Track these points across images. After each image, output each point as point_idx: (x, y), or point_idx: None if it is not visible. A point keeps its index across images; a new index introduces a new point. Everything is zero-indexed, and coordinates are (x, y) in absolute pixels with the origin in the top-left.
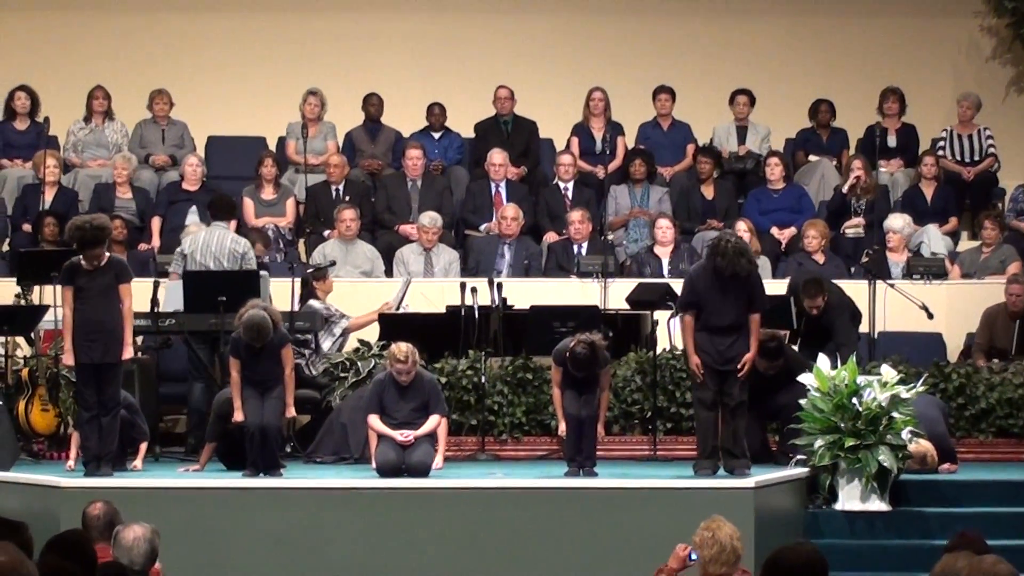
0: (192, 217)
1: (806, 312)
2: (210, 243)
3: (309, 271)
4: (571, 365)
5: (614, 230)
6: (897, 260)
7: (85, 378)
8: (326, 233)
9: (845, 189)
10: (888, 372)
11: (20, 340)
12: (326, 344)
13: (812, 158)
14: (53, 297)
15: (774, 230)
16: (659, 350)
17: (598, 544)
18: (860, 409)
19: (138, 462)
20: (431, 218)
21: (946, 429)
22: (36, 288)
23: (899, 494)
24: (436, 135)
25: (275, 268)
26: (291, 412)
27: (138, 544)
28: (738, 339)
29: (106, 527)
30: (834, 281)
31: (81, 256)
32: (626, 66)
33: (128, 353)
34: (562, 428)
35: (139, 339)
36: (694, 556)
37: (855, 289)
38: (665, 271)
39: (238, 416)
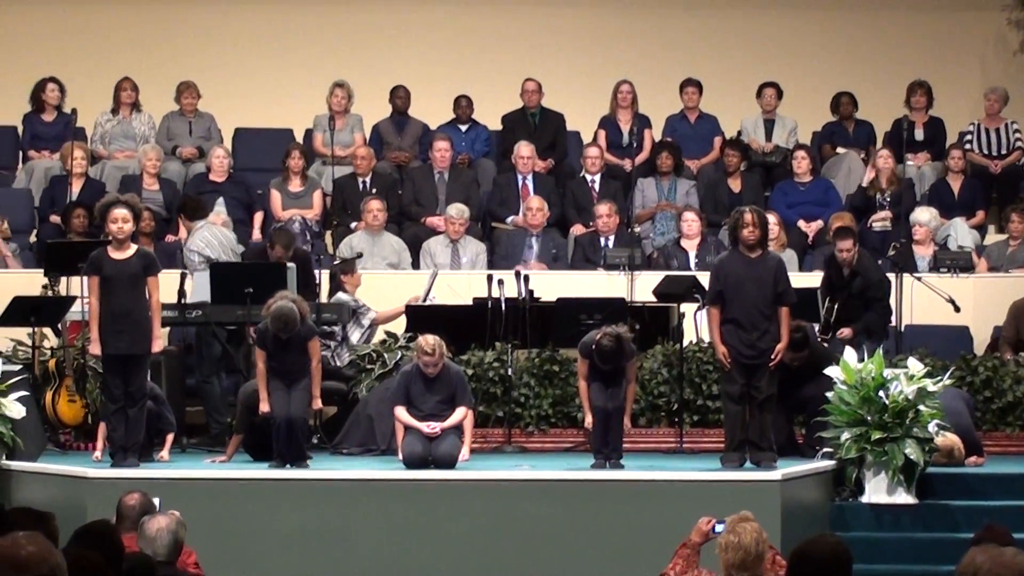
0: (219, 208)
1: (839, 277)
2: (220, 240)
3: (336, 264)
4: (597, 358)
5: (641, 223)
6: (924, 253)
7: (112, 369)
8: (353, 225)
9: (865, 183)
10: (915, 365)
11: (47, 331)
12: (354, 336)
13: (840, 150)
14: (80, 288)
15: (801, 223)
16: (686, 343)
17: (624, 536)
18: (887, 402)
19: (165, 453)
20: (458, 210)
21: (972, 422)
22: (63, 279)
23: (926, 487)
24: (463, 127)
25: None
26: (317, 404)
27: (160, 535)
28: (765, 332)
29: (140, 517)
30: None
31: (107, 246)
32: (653, 59)
33: (158, 346)
34: (588, 420)
35: (166, 330)
36: (718, 528)
37: None
38: (692, 264)
39: (264, 408)
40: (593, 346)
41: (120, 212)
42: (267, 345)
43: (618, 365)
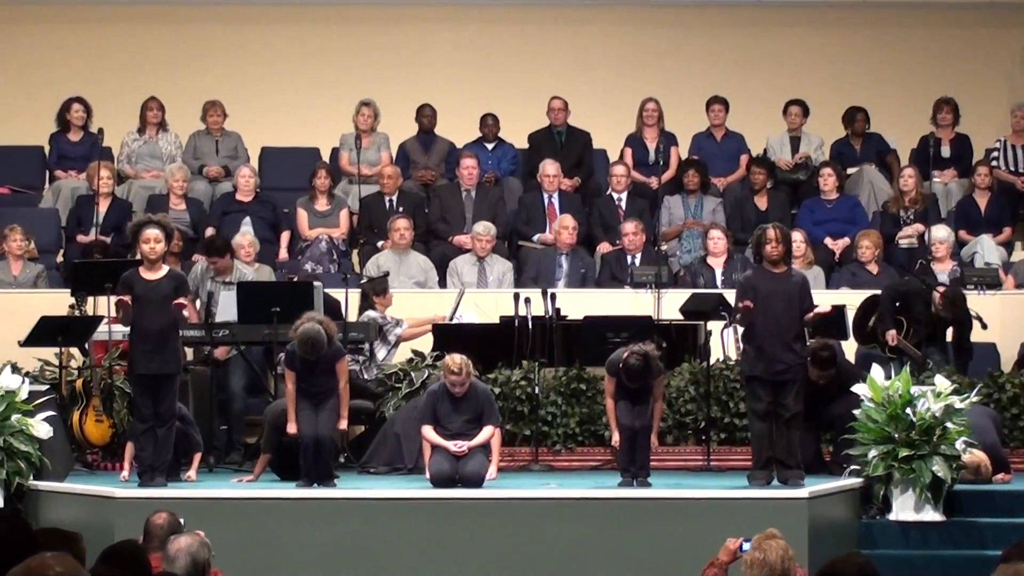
0: (245, 228)
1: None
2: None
3: (365, 283)
4: (625, 376)
5: (667, 241)
6: (942, 269)
7: (142, 389)
8: (380, 244)
9: (889, 203)
10: (942, 382)
11: (74, 351)
12: (380, 353)
13: (850, 171)
14: (107, 308)
15: (828, 240)
16: (713, 360)
17: (652, 555)
18: (914, 419)
19: (192, 472)
20: (485, 227)
21: (999, 439)
22: (90, 299)
23: (953, 504)
24: (489, 146)
25: (329, 279)
26: (343, 425)
27: (179, 556)
28: (790, 349)
29: (167, 537)
30: None
31: (139, 266)
32: (679, 77)
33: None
34: (616, 439)
35: (189, 351)
36: (745, 547)
37: None
38: (718, 282)
39: (291, 428)
40: (620, 365)
41: (152, 232)
42: (296, 366)
43: (645, 383)
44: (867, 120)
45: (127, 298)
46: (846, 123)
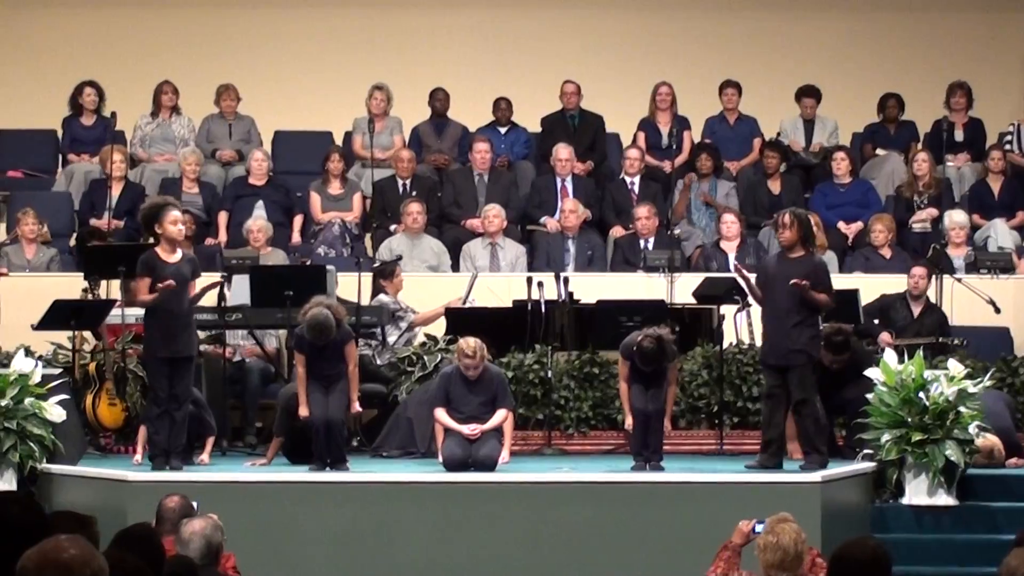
0: (258, 212)
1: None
2: None
3: (375, 267)
4: (638, 359)
5: (677, 216)
6: (957, 254)
7: (159, 372)
8: (392, 228)
9: (903, 188)
10: (955, 367)
11: (87, 335)
12: (392, 337)
13: (880, 152)
14: (120, 291)
15: (841, 224)
16: (726, 344)
17: (665, 538)
18: (927, 403)
19: (205, 456)
20: (495, 208)
21: (1013, 423)
22: (103, 283)
23: (966, 488)
24: (502, 130)
25: (342, 263)
26: (356, 408)
27: (193, 539)
28: (793, 331)
29: (180, 520)
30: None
31: (155, 248)
32: (692, 61)
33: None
34: (628, 422)
35: (202, 334)
36: (758, 528)
37: None
38: (731, 266)
39: (303, 411)
40: (635, 348)
41: (178, 214)
42: (305, 349)
43: (659, 367)
44: (900, 106)
45: (172, 283)
46: (880, 108)
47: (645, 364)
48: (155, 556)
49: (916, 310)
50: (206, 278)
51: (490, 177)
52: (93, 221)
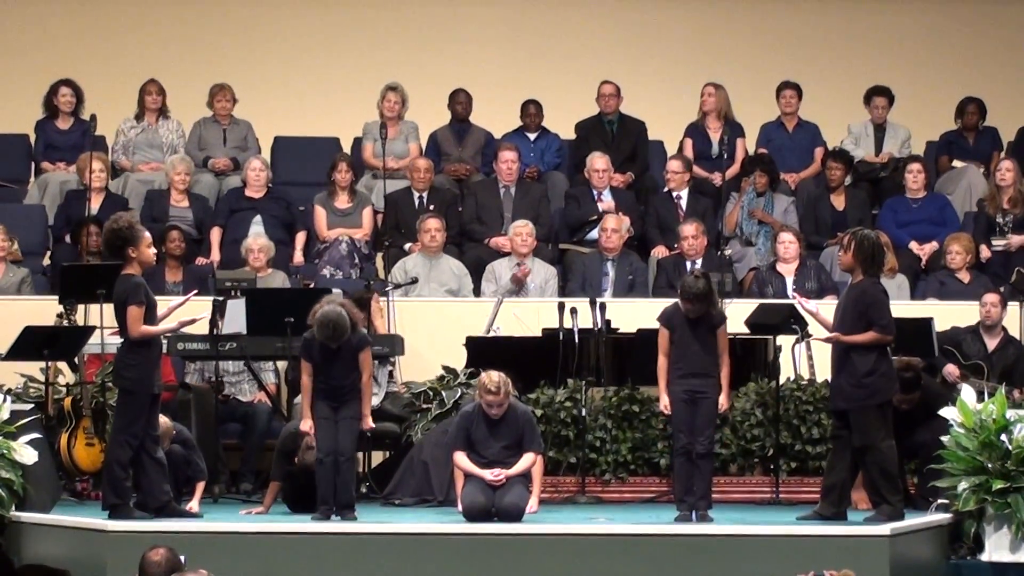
0: (256, 228)
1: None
2: None
3: (389, 288)
4: (682, 298)
5: (730, 231)
6: None
7: (148, 410)
8: (407, 246)
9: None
10: None
11: (62, 366)
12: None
13: (957, 164)
14: (100, 317)
15: (913, 244)
16: (783, 380)
17: None
18: (1010, 447)
19: (194, 503)
20: (527, 225)
21: None
22: (80, 307)
23: None
24: (532, 136)
25: (349, 286)
26: (368, 424)
27: None
28: (853, 367)
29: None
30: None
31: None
32: (747, 60)
33: None
34: (664, 402)
35: (192, 365)
36: None
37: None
38: (789, 291)
39: (305, 425)
40: (679, 287)
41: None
42: (313, 356)
43: (706, 310)
44: (982, 113)
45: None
46: (958, 114)
47: (691, 304)
48: None
49: (991, 344)
50: (197, 302)
51: (517, 190)
52: (67, 237)
